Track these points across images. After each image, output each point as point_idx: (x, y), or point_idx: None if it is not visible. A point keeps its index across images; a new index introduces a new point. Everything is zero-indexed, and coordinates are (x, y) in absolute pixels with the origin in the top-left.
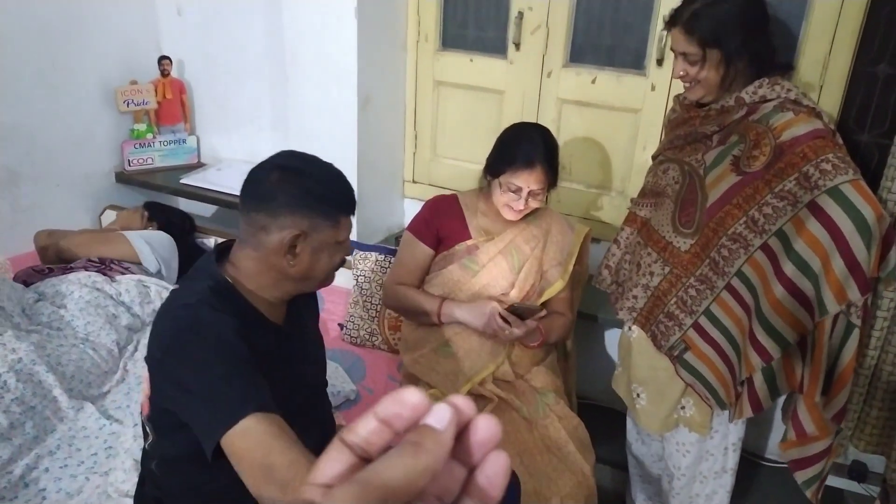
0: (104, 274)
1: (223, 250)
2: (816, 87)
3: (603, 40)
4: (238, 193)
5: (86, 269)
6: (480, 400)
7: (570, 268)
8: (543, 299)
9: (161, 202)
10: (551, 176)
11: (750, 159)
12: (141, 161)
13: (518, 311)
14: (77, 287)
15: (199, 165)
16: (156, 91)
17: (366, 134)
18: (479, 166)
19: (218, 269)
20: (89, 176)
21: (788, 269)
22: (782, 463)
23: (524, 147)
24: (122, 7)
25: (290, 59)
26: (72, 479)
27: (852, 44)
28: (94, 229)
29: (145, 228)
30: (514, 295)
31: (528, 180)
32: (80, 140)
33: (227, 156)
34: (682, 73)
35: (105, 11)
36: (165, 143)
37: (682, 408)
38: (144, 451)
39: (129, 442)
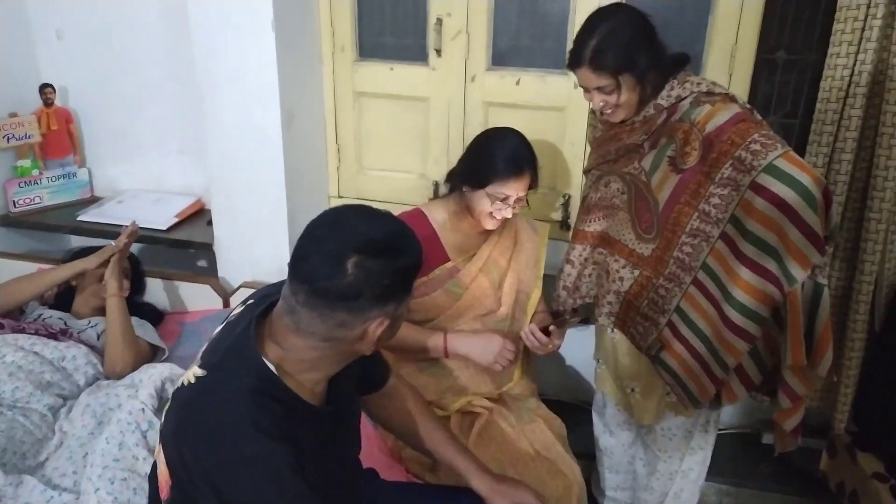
0: (55, 339)
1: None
2: (726, 75)
3: (523, 42)
4: (150, 225)
5: (36, 332)
6: (468, 416)
7: (542, 272)
8: (530, 313)
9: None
10: (536, 179)
11: (684, 156)
12: (28, 201)
13: (560, 322)
14: (11, 350)
15: (93, 200)
16: (39, 123)
17: (291, 153)
18: (409, 175)
19: (261, 358)
20: None
21: (748, 249)
22: (727, 430)
23: (509, 154)
24: None
25: (204, 78)
26: None
27: (756, 34)
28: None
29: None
30: (504, 312)
31: (517, 187)
32: None
33: (126, 186)
34: (601, 104)
35: None
36: (54, 179)
37: (668, 394)
38: None
39: None
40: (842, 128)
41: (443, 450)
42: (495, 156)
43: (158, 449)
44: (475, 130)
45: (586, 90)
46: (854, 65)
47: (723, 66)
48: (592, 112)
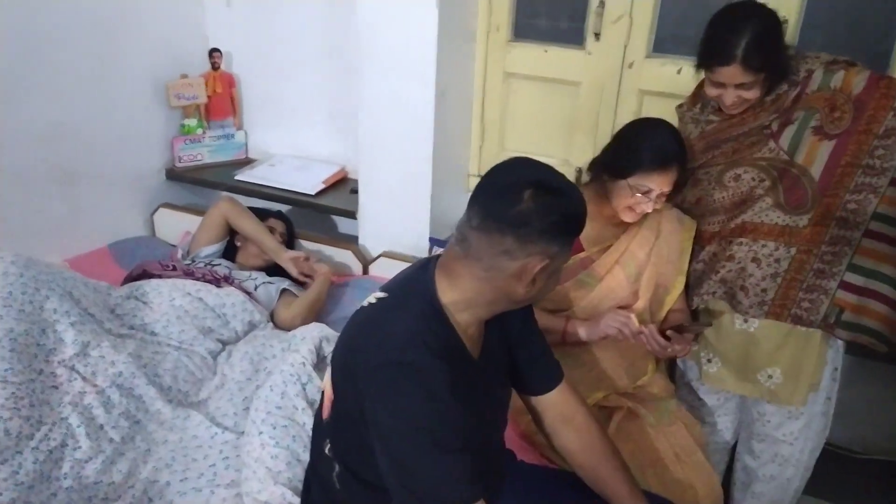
0: (217, 285)
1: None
2: None
3: (689, 30)
4: (300, 190)
5: (202, 277)
6: (605, 410)
7: (686, 267)
8: (666, 308)
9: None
10: (684, 176)
11: (834, 122)
12: (191, 157)
13: (679, 328)
14: (179, 294)
15: (247, 161)
16: (206, 85)
17: (440, 129)
18: (552, 160)
19: (435, 291)
20: (140, 174)
21: None
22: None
23: (657, 146)
24: None
25: (364, 51)
26: (196, 492)
27: None
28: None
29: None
30: (641, 306)
31: (661, 182)
32: (131, 137)
33: (276, 151)
34: (735, 99)
35: (152, 4)
36: (215, 139)
37: (814, 373)
38: (323, 455)
39: (258, 450)
40: None
41: (619, 500)
42: (642, 147)
43: (326, 378)
44: (626, 119)
45: (719, 86)
46: None
47: None
48: (685, 107)
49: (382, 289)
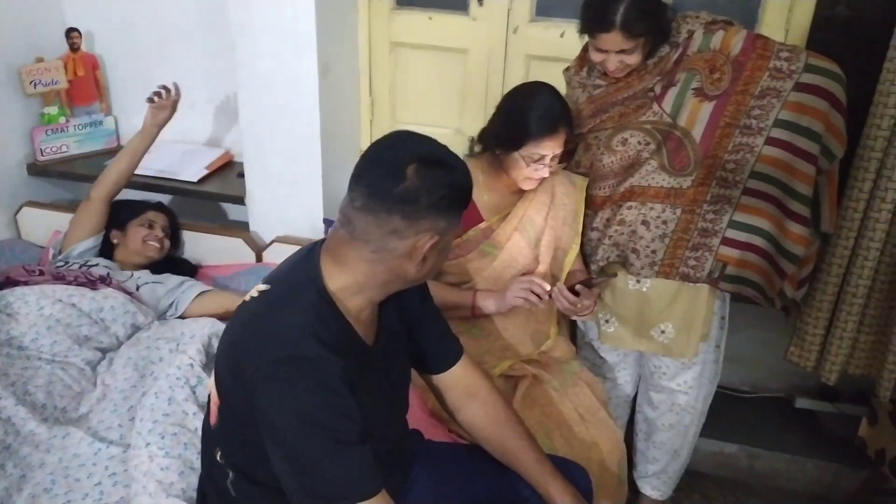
0: (93, 287)
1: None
2: (782, 30)
3: None
4: (181, 177)
5: (75, 280)
6: (511, 379)
7: (580, 227)
8: (566, 270)
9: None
10: (572, 134)
11: (714, 84)
12: (55, 149)
13: (588, 283)
14: (49, 302)
15: (119, 150)
16: (65, 68)
17: (327, 105)
18: (445, 131)
19: (323, 279)
20: None
21: (804, 143)
22: (760, 394)
23: (542, 112)
24: None
25: (237, 26)
26: None
27: None
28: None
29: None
30: (543, 270)
31: (552, 146)
32: None
33: None
34: (617, 64)
35: None
36: (80, 127)
37: (704, 324)
38: (216, 463)
39: (147, 463)
40: None
41: (527, 469)
42: (527, 115)
43: (211, 381)
44: (515, 84)
45: (602, 52)
46: None
47: (779, 21)
48: (573, 70)
49: (265, 280)
